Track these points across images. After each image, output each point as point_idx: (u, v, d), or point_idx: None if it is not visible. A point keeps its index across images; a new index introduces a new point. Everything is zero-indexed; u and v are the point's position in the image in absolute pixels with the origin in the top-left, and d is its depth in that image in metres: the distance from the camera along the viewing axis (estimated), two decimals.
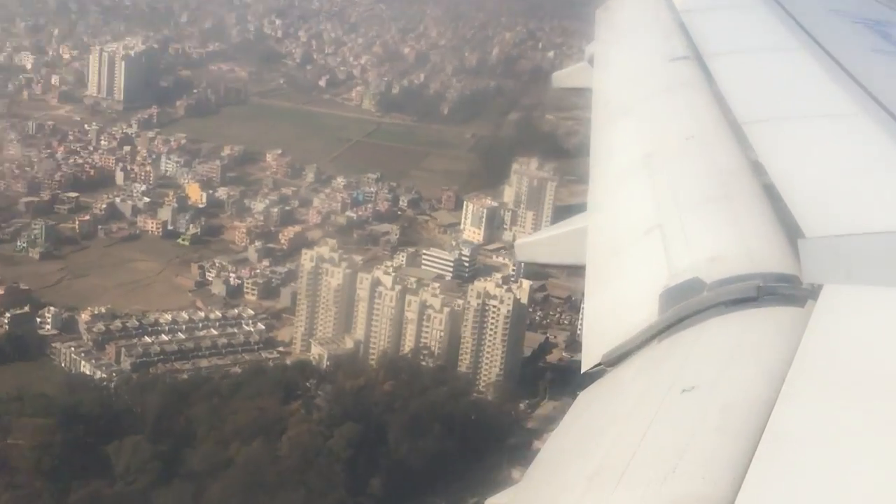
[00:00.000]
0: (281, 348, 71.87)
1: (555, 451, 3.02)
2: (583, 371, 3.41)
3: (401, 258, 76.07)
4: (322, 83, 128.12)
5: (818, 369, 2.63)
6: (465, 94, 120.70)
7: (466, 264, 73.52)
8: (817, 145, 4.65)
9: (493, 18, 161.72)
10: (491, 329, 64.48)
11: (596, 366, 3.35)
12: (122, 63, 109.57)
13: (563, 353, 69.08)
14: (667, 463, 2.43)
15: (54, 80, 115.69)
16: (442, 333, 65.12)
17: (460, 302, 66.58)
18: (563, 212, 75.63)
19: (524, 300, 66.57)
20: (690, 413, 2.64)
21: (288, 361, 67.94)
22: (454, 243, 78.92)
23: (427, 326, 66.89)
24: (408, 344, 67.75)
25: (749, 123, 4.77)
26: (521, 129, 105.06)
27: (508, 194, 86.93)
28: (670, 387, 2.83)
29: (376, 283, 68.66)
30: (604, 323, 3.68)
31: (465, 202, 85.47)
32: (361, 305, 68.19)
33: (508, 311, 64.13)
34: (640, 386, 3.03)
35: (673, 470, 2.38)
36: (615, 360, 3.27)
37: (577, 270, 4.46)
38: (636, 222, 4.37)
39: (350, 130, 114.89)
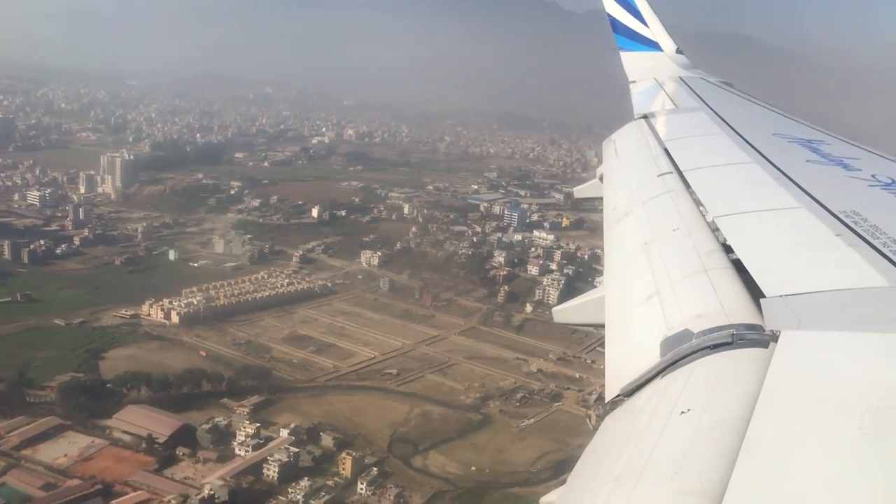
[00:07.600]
0: None
1: (589, 461, 3.20)
2: (606, 401, 3.59)
3: None
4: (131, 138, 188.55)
5: (781, 394, 2.85)
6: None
7: None
8: (770, 231, 4.91)
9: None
10: None
11: (616, 397, 3.60)
12: None
13: None
14: (672, 466, 2.64)
15: None
16: None
17: None
18: None
19: None
20: (688, 429, 2.85)
21: None
22: None
23: None
24: None
25: (719, 217, 5.11)
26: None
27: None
28: (672, 410, 3.05)
29: None
30: (620, 365, 3.91)
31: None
32: None
33: None
34: (650, 410, 3.22)
35: (677, 471, 2.60)
36: (630, 391, 3.53)
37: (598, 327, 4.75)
38: (640, 292, 4.55)
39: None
